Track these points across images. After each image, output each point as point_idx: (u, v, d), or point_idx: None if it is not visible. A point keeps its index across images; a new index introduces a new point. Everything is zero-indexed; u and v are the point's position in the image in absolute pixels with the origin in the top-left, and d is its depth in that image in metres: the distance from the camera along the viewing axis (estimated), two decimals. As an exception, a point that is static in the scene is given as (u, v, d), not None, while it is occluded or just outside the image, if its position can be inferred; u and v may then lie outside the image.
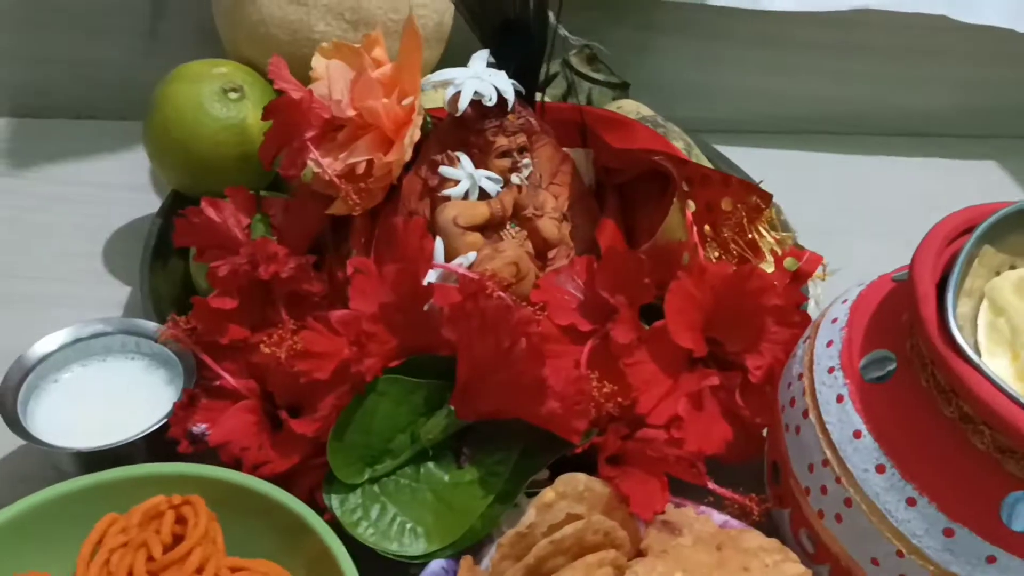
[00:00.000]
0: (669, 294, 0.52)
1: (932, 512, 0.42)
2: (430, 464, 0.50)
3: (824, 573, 0.47)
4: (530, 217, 0.56)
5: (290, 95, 0.55)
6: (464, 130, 0.56)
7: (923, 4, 0.79)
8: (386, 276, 0.51)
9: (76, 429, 0.52)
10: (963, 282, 0.45)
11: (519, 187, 0.56)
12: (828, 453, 0.45)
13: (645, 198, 0.60)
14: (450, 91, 0.55)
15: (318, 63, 0.58)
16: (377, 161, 0.54)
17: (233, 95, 0.64)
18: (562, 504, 0.46)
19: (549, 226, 0.56)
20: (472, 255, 0.54)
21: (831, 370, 0.47)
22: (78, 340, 0.55)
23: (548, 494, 0.47)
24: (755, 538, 0.47)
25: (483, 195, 0.55)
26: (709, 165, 0.70)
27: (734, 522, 0.50)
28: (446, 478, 0.49)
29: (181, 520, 0.47)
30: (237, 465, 0.50)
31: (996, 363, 0.43)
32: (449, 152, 0.56)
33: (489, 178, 0.55)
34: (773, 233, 0.59)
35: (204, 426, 0.51)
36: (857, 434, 0.44)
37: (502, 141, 0.56)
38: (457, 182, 0.55)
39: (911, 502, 0.42)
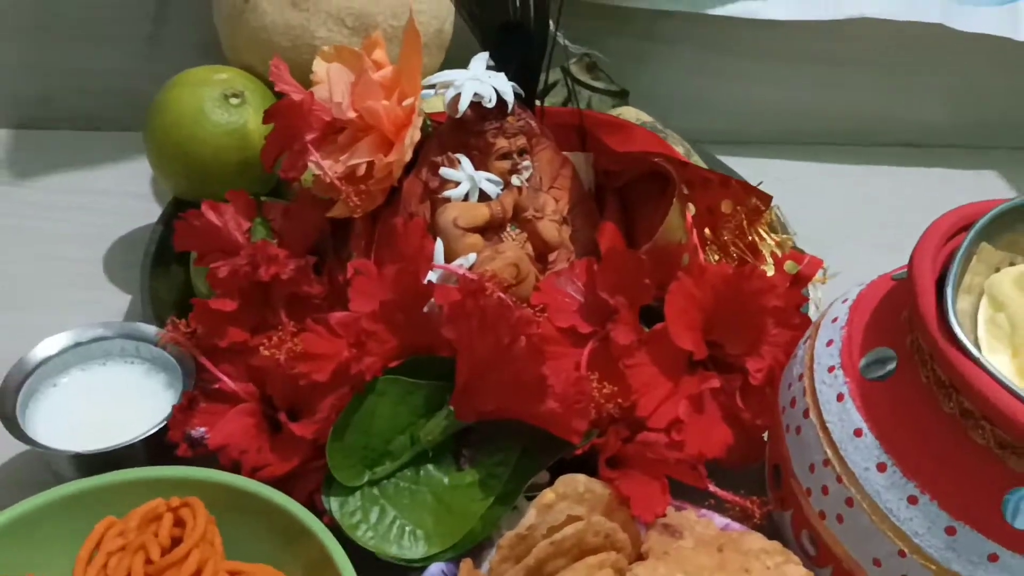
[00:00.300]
0: (669, 295, 0.52)
1: (934, 510, 0.42)
2: (430, 466, 0.49)
3: (826, 575, 0.47)
4: (530, 219, 0.56)
5: (291, 97, 0.56)
6: (464, 132, 0.56)
7: (919, 12, 0.79)
8: (386, 276, 0.51)
9: (75, 433, 0.52)
10: (962, 278, 0.45)
11: (519, 189, 0.56)
12: (829, 452, 0.45)
13: (645, 200, 0.60)
14: (450, 93, 0.55)
15: (319, 67, 0.58)
16: (378, 163, 0.54)
17: (234, 100, 0.64)
18: (562, 505, 0.46)
19: (549, 228, 0.56)
20: (472, 256, 0.54)
21: (831, 369, 0.47)
22: (78, 344, 0.55)
23: (548, 495, 0.47)
24: (756, 540, 0.47)
25: (483, 197, 0.56)
26: (708, 170, 0.70)
27: (735, 525, 0.50)
28: (446, 480, 0.49)
29: (179, 523, 0.47)
30: (236, 468, 0.50)
31: (996, 359, 0.43)
32: (449, 154, 0.56)
33: (489, 180, 0.56)
34: (773, 235, 0.59)
35: (203, 429, 0.51)
36: (858, 432, 0.44)
37: (502, 143, 0.56)
38: (457, 184, 0.55)
39: (912, 500, 0.42)
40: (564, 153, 0.60)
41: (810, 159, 0.88)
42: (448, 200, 0.55)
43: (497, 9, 0.57)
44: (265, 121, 0.58)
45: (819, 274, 0.59)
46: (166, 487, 0.48)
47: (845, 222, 0.81)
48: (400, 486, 0.49)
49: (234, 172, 0.64)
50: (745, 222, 0.58)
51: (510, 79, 0.57)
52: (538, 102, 0.60)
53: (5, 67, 0.81)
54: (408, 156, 0.54)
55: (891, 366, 0.46)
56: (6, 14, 0.79)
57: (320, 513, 0.48)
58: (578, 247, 0.58)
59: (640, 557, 0.47)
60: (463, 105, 0.54)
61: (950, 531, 0.42)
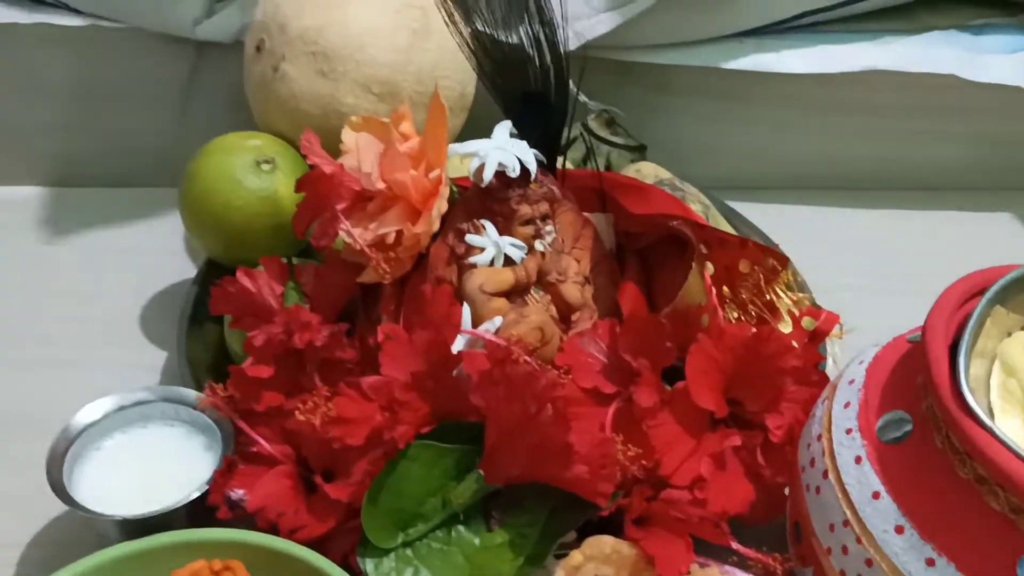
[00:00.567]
0: (690, 356, 0.54)
1: (951, 572, 0.43)
2: (461, 527, 0.51)
3: (848, 631, 0.48)
4: (553, 282, 0.58)
5: (322, 169, 0.58)
6: (489, 199, 0.58)
7: (932, 64, 0.81)
8: (417, 344, 0.53)
9: (119, 496, 0.54)
10: (975, 344, 0.46)
11: (542, 253, 0.58)
12: (848, 514, 0.46)
13: (664, 262, 0.61)
14: (475, 163, 0.57)
15: (348, 137, 0.60)
16: (406, 232, 0.56)
17: (265, 167, 0.66)
18: (590, 566, 0.48)
19: (572, 290, 0.58)
20: (498, 320, 0.56)
21: (849, 431, 0.48)
22: (121, 408, 0.57)
23: (576, 556, 0.48)
24: (779, 597, 0.48)
25: (508, 261, 0.57)
26: (727, 226, 0.72)
27: (758, 581, 0.51)
28: (477, 541, 0.51)
29: (222, 584, 0.49)
30: (274, 529, 0.51)
31: (1009, 424, 0.44)
32: (475, 221, 0.58)
33: (513, 245, 0.57)
34: (790, 294, 0.60)
35: (242, 492, 0.53)
36: (876, 495, 0.46)
37: (525, 210, 0.58)
38: (483, 250, 0.57)
39: (930, 562, 0.43)
40: (585, 214, 0.62)
41: (826, 203, 0.89)
42: (474, 266, 0.57)
43: (518, 79, 0.59)
44: (297, 190, 0.60)
45: (836, 330, 0.60)
46: (208, 549, 0.50)
47: (862, 265, 0.82)
48: (432, 547, 0.51)
49: (266, 235, 0.66)
50: (762, 281, 0.59)
51: (532, 146, 0.59)
52: (560, 160, 0.62)
53: (41, 128, 0.84)
54: (436, 227, 0.56)
55: (907, 428, 0.47)
56: (43, 78, 0.82)
57: (355, 574, 0.49)
58: (600, 306, 0.60)
59: (666, 615, 0.49)
60: (488, 175, 0.56)
61: (967, 593, 0.43)
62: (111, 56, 0.81)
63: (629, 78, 0.84)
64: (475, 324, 0.56)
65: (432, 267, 0.59)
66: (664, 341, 0.53)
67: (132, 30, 0.80)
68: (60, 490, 0.53)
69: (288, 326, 0.55)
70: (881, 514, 0.45)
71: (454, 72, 0.71)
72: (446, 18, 0.59)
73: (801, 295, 0.62)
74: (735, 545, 0.51)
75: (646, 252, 0.62)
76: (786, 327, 0.60)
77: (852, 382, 0.51)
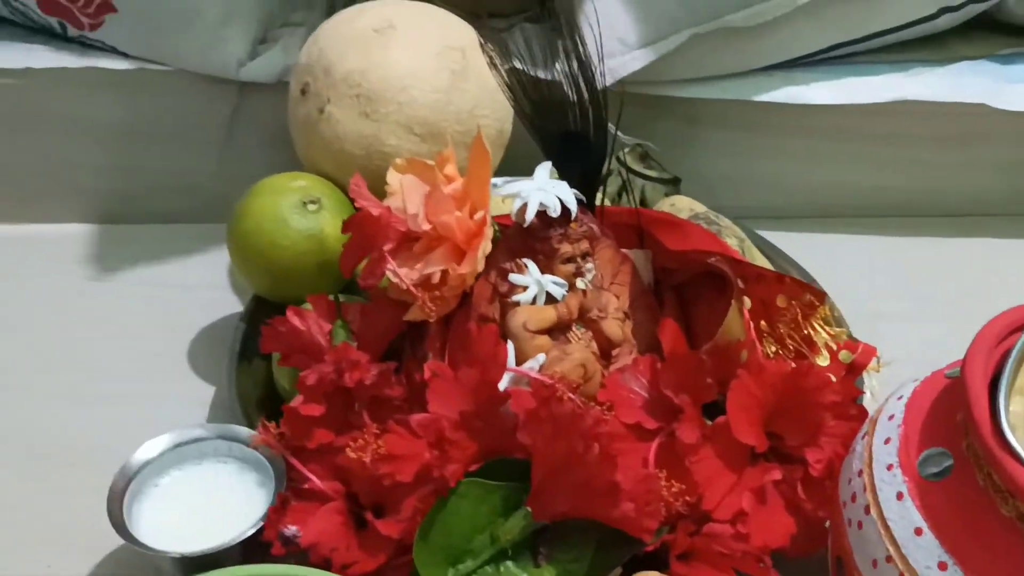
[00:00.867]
0: (731, 392, 0.55)
1: (995, 608, 0.44)
2: (509, 563, 0.52)
3: (891, 665, 0.49)
4: (595, 319, 0.59)
5: (369, 211, 0.60)
6: (530, 238, 0.59)
7: (962, 93, 0.82)
8: (464, 383, 0.54)
9: (175, 532, 0.56)
10: (1015, 380, 0.47)
11: (584, 291, 0.59)
12: (891, 550, 0.47)
13: (703, 297, 0.63)
14: (517, 203, 0.59)
15: (393, 178, 0.62)
16: (451, 272, 0.58)
17: (311, 207, 0.68)
18: (636, 601, 0.49)
19: (613, 327, 0.60)
20: (541, 357, 0.57)
21: (890, 467, 0.49)
22: (177, 445, 0.59)
23: (623, 591, 0.50)
24: (823, 630, 0.49)
25: (550, 299, 0.59)
26: (763, 258, 0.73)
27: (802, 614, 0.52)
28: (524, 576, 0.52)
29: (278, 618, 0.50)
30: (327, 565, 0.53)
31: (1050, 462, 0.45)
32: (517, 260, 0.59)
33: (555, 283, 0.59)
34: (827, 328, 0.61)
35: (295, 528, 0.54)
36: (918, 531, 0.47)
37: (566, 248, 0.59)
38: (526, 288, 0.59)
39: (974, 599, 0.44)
40: (624, 251, 0.63)
41: (859, 231, 0.89)
42: (517, 304, 0.58)
43: (557, 120, 0.61)
44: (344, 231, 0.62)
45: (873, 363, 0.61)
46: (263, 584, 0.51)
47: (896, 295, 0.82)
48: (482, 582, 0.52)
49: (312, 272, 0.68)
50: (800, 316, 0.60)
51: (572, 185, 0.60)
52: (599, 195, 0.63)
53: (90, 167, 0.87)
54: (481, 267, 0.58)
55: (948, 463, 0.48)
56: (92, 119, 0.85)
57: (407, 608, 0.51)
58: (640, 340, 0.61)
59: (711, 648, 0.50)
60: (530, 215, 0.58)
61: (1010, 629, 0.43)
62: (157, 98, 0.84)
63: (660, 111, 0.85)
64: (519, 361, 0.57)
65: (476, 304, 0.60)
66: (705, 378, 0.55)
67: (177, 72, 0.82)
68: (120, 527, 0.55)
69: (338, 365, 0.57)
70: (924, 551, 0.46)
71: (492, 111, 0.72)
72: (488, 62, 0.60)
73: (838, 329, 0.63)
74: (778, 579, 0.52)
75: (683, 287, 0.64)
76: (823, 360, 0.61)
77: (892, 417, 0.51)
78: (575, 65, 0.60)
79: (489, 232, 0.58)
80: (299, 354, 0.61)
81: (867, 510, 0.49)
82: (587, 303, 0.59)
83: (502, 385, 0.55)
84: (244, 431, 0.60)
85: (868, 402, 0.62)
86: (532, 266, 0.59)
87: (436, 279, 0.59)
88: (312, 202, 0.68)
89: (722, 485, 0.55)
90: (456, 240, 0.58)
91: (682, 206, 0.74)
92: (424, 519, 0.51)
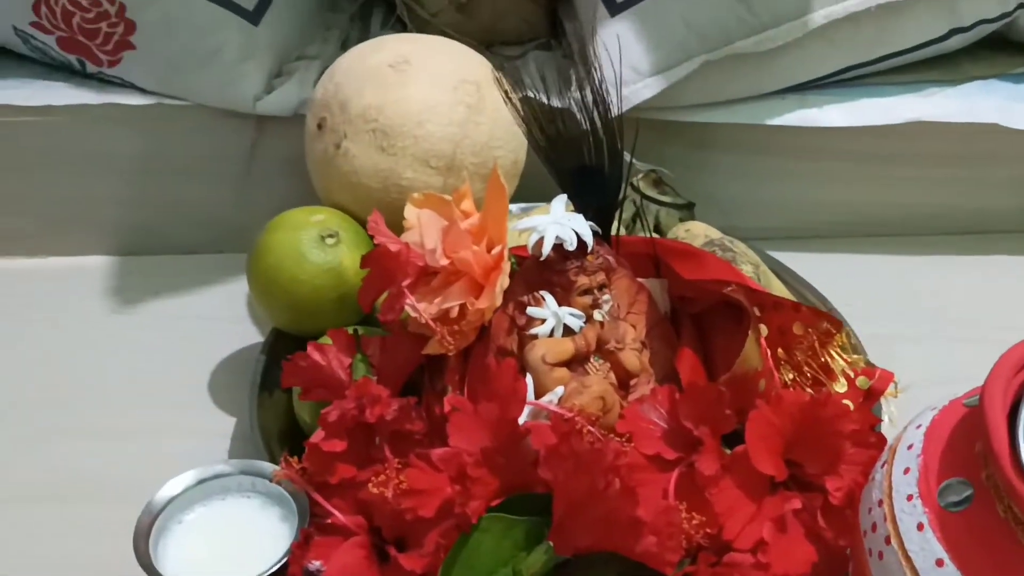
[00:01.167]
0: (749, 422, 0.55)
1: (1018, 640, 0.44)
2: (532, 597, 0.53)
3: None
4: (613, 350, 0.60)
5: (388, 247, 0.60)
6: (547, 271, 0.60)
7: (974, 114, 0.82)
8: (483, 416, 0.54)
9: (202, 568, 0.56)
10: (1033, 410, 0.47)
11: (601, 323, 0.60)
12: (913, 581, 0.47)
13: (718, 324, 0.63)
14: (533, 237, 0.59)
15: (410, 213, 0.62)
16: (469, 306, 0.59)
17: (330, 241, 0.69)
18: (659, 633, 0.49)
19: (631, 358, 0.60)
20: (560, 390, 0.58)
21: (910, 497, 0.49)
22: (201, 481, 0.60)
23: (645, 624, 0.50)
24: (846, 661, 0.49)
25: (567, 331, 0.59)
26: (779, 283, 0.73)
27: (824, 644, 0.52)
28: (547, 610, 0.52)
29: (303, 654, 0.51)
30: (351, 600, 0.53)
31: (1071, 493, 0.45)
32: (534, 292, 0.60)
33: (572, 315, 0.59)
34: (844, 356, 0.61)
35: (319, 563, 0.55)
36: (940, 563, 0.47)
37: (583, 280, 0.60)
38: (543, 321, 0.59)
39: (997, 630, 0.44)
40: (640, 280, 0.63)
41: (872, 251, 0.90)
42: (535, 337, 0.59)
43: (573, 154, 0.61)
44: (363, 267, 0.63)
45: (891, 388, 0.62)
46: (289, 620, 0.52)
47: (912, 314, 0.83)
48: (504, 616, 0.53)
49: (331, 305, 0.69)
50: (817, 343, 0.60)
51: (588, 217, 0.61)
52: (615, 224, 0.64)
53: (110, 200, 0.88)
54: (499, 302, 0.59)
55: (967, 493, 0.48)
56: (112, 153, 0.86)
57: (431, 643, 0.51)
58: (657, 369, 0.62)
59: None
60: (547, 249, 0.59)
61: (1034, 660, 0.44)
62: (175, 132, 0.85)
63: (672, 136, 0.86)
64: (538, 394, 0.57)
65: (493, 337, 0.61)
66: (724, 409, 0.55)
67: (195, 107, 0.84)
68: (148, 565, 0.55)
69: (360, 400, 0.57)
70: (946, 582, 0.46)
71: (507, 143, 0.73)
72: (504, 96, 0.61)
73: (855, 356, 0.63)
74: (800, 608, 0.53)
75: (700, 316, 0.64)
76: (841, 387, 0.61)
77: (911, 447, 0.52)
78: (588, 95, 0.61)
79: (507, 267, 0.59)
80: (320, 388, 0.62)
81: (888, 540, 0.50)
82: (605, 335, 0.60)
83: (521, 419, 0.55)
84: (267, 466, 0.60)
85: (886, 427, 0.62)
86: (549, 299, 0.59)
87: (454, 313, 0.59)
88: (330, 236, 0.69)
89: (742, 515, 0.55)
90: (474, 275, 0.59)
91: (697, 232, 0.75)
92: (447, 554, 0.52)
